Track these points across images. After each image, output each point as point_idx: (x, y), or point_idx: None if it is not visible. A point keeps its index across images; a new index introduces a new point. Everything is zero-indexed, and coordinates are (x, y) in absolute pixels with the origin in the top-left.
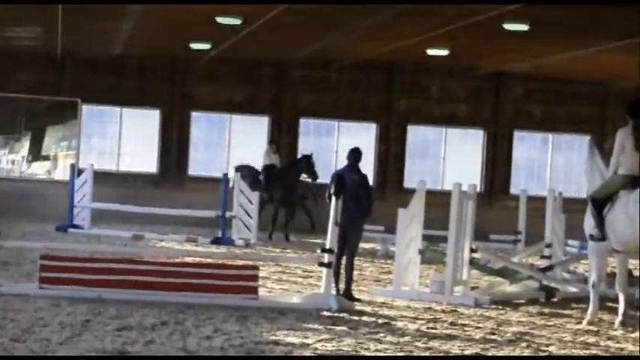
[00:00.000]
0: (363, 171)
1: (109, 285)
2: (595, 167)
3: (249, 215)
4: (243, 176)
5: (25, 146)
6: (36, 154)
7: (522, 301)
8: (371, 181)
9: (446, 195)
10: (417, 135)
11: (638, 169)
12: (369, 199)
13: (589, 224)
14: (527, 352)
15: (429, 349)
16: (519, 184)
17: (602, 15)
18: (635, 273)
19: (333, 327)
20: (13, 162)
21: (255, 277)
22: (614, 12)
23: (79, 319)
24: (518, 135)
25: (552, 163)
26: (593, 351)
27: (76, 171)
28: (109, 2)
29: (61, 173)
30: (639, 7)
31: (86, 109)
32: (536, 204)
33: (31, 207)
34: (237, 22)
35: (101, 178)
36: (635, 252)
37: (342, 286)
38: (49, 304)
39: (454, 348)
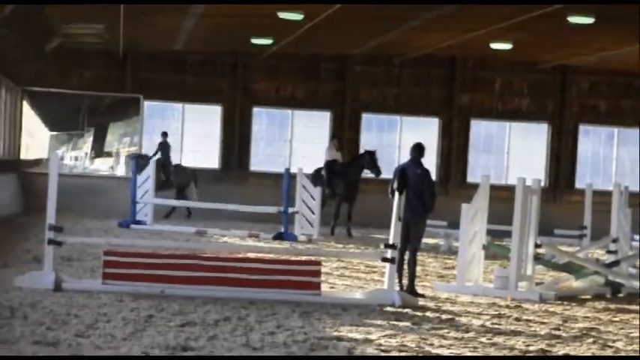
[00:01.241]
0: (426, 166)
1: (171, 280)
2: None
3: (311, 211)
4: (140, 165)
5: (87, 143)
6: (99, 150)
7: (588, 297)
8: (434, 176)
9: (510, 189)
10: (480, 129)
11: None
12: (432, 194)
13: None
14: (593, 348)
15: (493, 344)
16: (584, 178)
17: None
18: None
19: (396, 323)
20: (76, 158)
21: (318, 273)
22: None
23: (143, 314)
24: (583, 129)
25: (618, 157)
26: None
27: (138, 167)
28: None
29: (124, 169)
30: None
31: (148, 106)
32: (602, 198)
33: (93, 203)
34: (298, 17)
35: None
36: None
37: (405, 281)
38: (112, 299)
39: (519, 344)
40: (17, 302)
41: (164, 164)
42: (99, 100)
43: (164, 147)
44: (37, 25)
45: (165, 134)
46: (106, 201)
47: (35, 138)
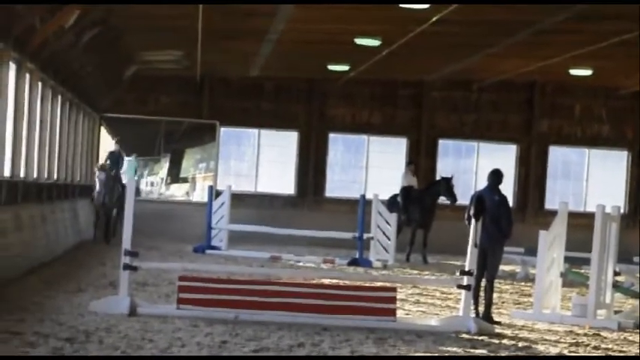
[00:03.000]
0: (503, 192)
1: (246, 306)
2: None
3: (386, 236)
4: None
5: (164, 168)
6: (175, 175)
7: None
8: (511, 203)
9: (589, 217)
10: (558, 156)
11: None
12: (509, 220)
13: None
14: None
15: None
16: None
17: None
18: None
19: (472, 350)
20: (152, 184)
21: (393, 299)
22: None
23: (217, 339)
24: None
25: None
26: None
27: (214, 193)
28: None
29: (199, 195)
30: None
31: (224, 131)
32: None
33: (169, 228)
34: (376, 43)
35: (239, 199)
36: None
37: (481, 308)
38: (187, 324)
39: None
40: (93, 327)
41: (114, 177)
42: (175, 126)
43: (114, 157)
44: (115, 52)
45: (118, 142)
46: (182, 226)
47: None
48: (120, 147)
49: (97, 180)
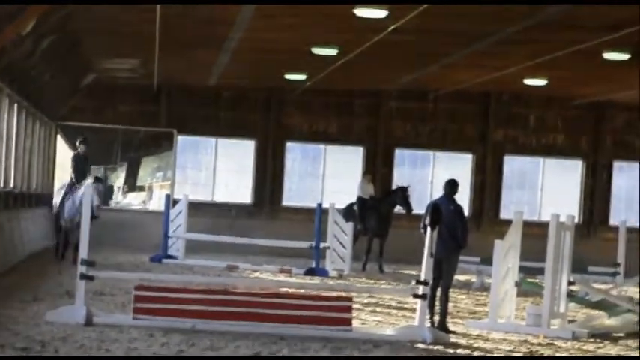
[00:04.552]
0: (459, 202)
1: (202, 315)
2: None
3: (343, 246)
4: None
5: (121, 177)
6: (132, 184)
7: (621, 335)
8: (467, 212)
9: (543, 226)
10: (513, 165)
11: None
12: (464, 230)
13: None
14: None
15: None
16: (619, 215)
17: None
18: None
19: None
20: (109, 192)
21: (349, 308)
22: None
23: (173, 349)
24: (617, 165)
25: None
26: None
27: (171, 201)
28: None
29: (156, 204)
30: None
31: (181, 140)
32: (636, 235)
33: (126, 237)
34: (333, 52)
35: (196, 208)
36: None
37: (436, 317)
38: (143, 334)
39: None
40: (49, 336)
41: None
42: (133, 135)
43: (79, 161)
44: (73, 59)
45: (83, 141)
46: (138, 235)
47: (69, 172)
48: (86, 148)
49: (62, 191)
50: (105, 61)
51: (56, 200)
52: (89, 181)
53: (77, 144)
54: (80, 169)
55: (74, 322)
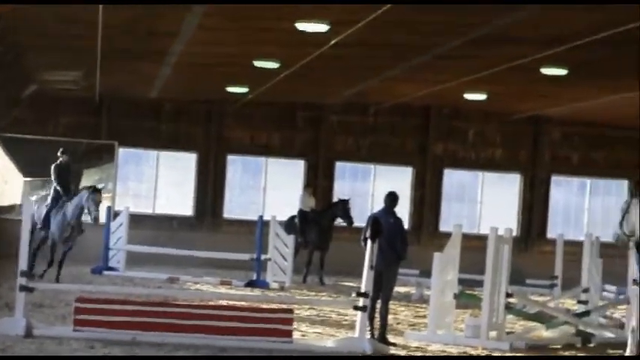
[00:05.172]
0: (399, 214)
1: (143, 327)
2: None
3: (284, 258)
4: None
5: None
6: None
7: (558, 347)
8: (406, 225)
9: (482, 239)
10: (453, 179)
11: None
12: (404, 242)
13: (633, 269)
14: None
15: None
16: (556, 228)
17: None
18: None
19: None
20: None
21: (290, 321)
22: None
23: None
24: (555, 179)
25: (590, 208)
26: None
27: (112, 213)
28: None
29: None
30: None
31: (123, 152)
32: (573, 248)
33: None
34: (275, 65)
35: (137, 220)
36: None
37: (377, 330)
38: (83, 346)
39: None
40: None
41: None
42: (74, 147)
43: (61, 171)
44: (15, 71)
45: (64, 151)
46: (79, 247)
47: (9, 184)
48: (67, 158)
49: (41, 204)
50: (47, 73)
51: (36, 213)
52: (84, 192)
53: (58, 154)
54: (64, 180)
55: (14, 334)
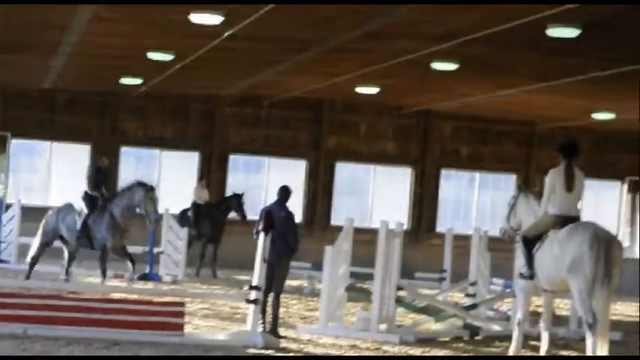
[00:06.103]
0: (291, 208)
1: (34, 321)
2: (529, 207)
3: (177, 251)
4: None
5: None
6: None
7: (447, 339)
8: (299, 218)
9: (373, 232)
10: (345, 172)
11: (568, 209)
12: (295, 236)
13: (519, 262)
14: None
15: None
16: (446, 222)
17: (528, 56)
18: (560, 312)
19: None
20: None
21: (181, 314)
22: (541, 53)
23: (4, 355)
24: (445, 173)
25: (478, 202)
26: None
27: (3, 206)
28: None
29: None
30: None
31: (15, 144)
32: (462, 242)
33: None
34: (168, 57)
35: (29, 213)
36: (561, 291)
37: (269, 323)
38: None
39: None
40: None
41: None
42: None
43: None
44: None
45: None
46: None
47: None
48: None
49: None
50: None
51: (74, 219)
52: (140, 191)
53: (102, 157)
54: (100, 186)
55: None
